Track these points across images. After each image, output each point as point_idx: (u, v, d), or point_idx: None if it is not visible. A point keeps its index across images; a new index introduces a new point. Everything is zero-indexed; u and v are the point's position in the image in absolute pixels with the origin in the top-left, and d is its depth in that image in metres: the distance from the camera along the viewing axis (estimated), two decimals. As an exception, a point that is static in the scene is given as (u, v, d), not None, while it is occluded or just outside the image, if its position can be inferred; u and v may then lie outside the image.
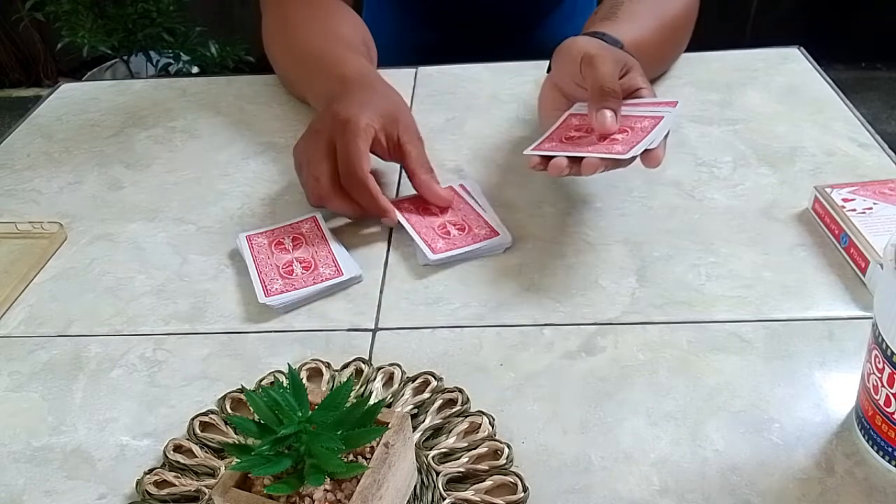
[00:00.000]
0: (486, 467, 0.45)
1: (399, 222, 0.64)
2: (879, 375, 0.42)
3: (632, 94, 0.62)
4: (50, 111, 0.90)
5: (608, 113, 0.59)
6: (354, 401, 0.42)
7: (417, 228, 0.64)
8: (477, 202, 0.67)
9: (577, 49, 0.65)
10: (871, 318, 0.46)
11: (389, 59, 0.90)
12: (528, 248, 0.63)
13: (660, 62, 0.84)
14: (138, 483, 0.46)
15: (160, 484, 0.46)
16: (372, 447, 0.41)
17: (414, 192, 0.68)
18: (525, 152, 0.62)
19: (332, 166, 0.64)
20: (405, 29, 1.05)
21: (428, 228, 0.64)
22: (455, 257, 0.62)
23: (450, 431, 0.48)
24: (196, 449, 0.48)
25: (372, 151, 0.65)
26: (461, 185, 0.69)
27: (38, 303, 0.61)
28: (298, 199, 0.70)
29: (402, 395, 0.51)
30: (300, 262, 0.61)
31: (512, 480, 0.45)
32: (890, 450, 0.43)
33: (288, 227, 0.65)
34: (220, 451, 0.48)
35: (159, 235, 0.68)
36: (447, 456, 0.47)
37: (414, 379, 0.52)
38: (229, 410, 0.51)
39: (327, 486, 0.39)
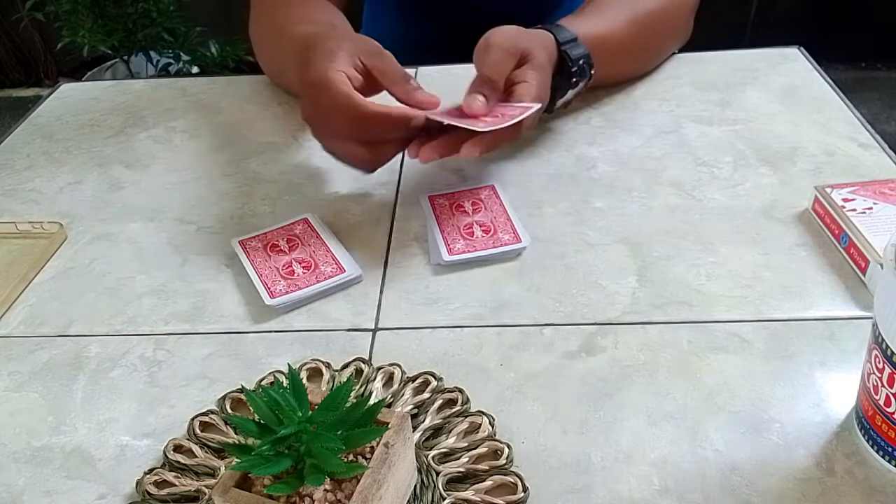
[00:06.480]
0: (486, 467, 0.45)
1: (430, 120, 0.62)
2: (879, 375, 0.42)
3: (513, 84, 0.64)
4: (50, 111, 0.90)
5: (479, 98, 0.62)
6: (354, 401, 0.42)
7: (443, 226, 0.64)
8: (510, 205, 0.66)
9: (490, 36, 0.66)
10: (871, 318, 0.46)
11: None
12: (528, 248, 0.63)
13: (632, 57, 0.83)
14: (138, 483, 0.46)
15: (160, 484, 0.46)
16: (372, 447, 0.41)
17: (445, 190, 0.68)
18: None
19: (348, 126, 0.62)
20: (405, 29, 1.05)
21: (453, 227, 0.64)
22: (469, 260, 0.61)
23: (450, 431, 0.48)
24: (196, 449, 0.48)
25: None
26: (492, 186, 0.69)
27: (38, 303, 0.61)
28: (298, 199, 0.70)
29: (402, 395, 0.51)
30: (299, 263, 0.61)
31: (512, 480, 0.45)
32: (890, 450, 0.43)
33: (280, 230, 0.65)
34: (220, 451, 0.48)
35: (159, 235, 0.68)
36: (447, 456, 0.47)
37: (414, 379, 0.52)
38: (229, 410, 0.51)
39: (327, 486, 0.39)
